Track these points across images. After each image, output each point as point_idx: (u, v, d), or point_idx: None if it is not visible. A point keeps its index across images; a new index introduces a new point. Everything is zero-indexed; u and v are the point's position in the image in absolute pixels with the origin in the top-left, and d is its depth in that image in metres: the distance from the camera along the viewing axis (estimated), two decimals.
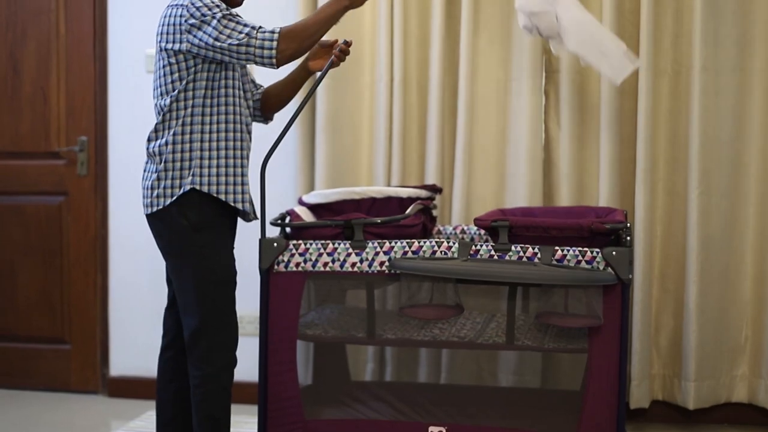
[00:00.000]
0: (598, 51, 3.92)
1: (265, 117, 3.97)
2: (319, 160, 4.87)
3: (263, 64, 3.52)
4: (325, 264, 3.80)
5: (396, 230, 3.86)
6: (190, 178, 3.52)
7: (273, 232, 4.12)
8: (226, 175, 3.58)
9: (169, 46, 3.51)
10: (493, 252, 3.70)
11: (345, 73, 4.70)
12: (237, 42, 3.46)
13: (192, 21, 3.45)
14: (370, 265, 3.77)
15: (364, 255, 3.78)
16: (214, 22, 3.45)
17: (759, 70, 4.61)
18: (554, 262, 3.66)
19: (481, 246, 3.72)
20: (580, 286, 3.62)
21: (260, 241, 3.84)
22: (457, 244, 3.73)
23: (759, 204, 4.65)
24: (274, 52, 3.48)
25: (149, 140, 3.62)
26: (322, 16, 3.60)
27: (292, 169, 5.00)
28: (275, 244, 3.82)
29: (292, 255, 3.81)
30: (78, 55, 5.33)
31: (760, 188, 4.64)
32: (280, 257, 3.82)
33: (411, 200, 4.28)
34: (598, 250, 3.66)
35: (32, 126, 5.39)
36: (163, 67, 3.55)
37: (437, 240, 3.75)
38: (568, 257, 3.67)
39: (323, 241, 3.81)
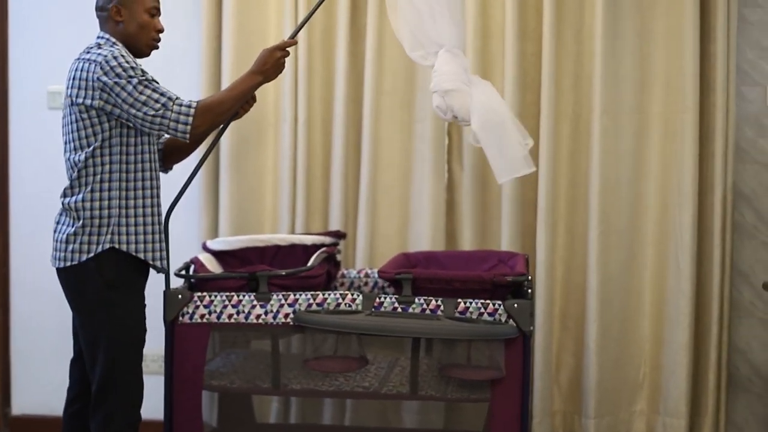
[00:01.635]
0: (496, 143, 3.93)
1: (165, 168, 3.97)
2: (223, 202, 4.86)
3: (175, 136, 3.53)
4: (230, 316, 3.80)
5: (300, 281, 3.89)
6: (109, 236, 3.51)
7: (178, 280, 4.11)
8: (145, 233, 3.59)
9: (80, 100, 3.48)
10: (396, 304, 3.74)
11: (249, 113, 4.68)
12: (153, 113, 3.45)
13: (105, 79, 3.43)
14: (274, 317, 3.79)
15: (268, 307, 3.79)
16: (130, 87, 3.44)
17: (657, 113, 4.71)
18: (457, 315, 3.71)
19: (385, 298, 3.75)
20: (482, 340, 3.67)
21: (165, 293, 3.84)
22: (361, 297, 3.76)
23: (657, 244, 4.75)
24: (188, 127, 3.49)
25: (65, 195, 3.58)
26: (237, 92, 3.66)
27: (195, 212, 4.94)
28: (180, 296, 3.82)
29: (197, 307, 3.82)
30: None
31: (657, 229, 4.74)
32: (185, 309, 3.82)
33: (316, 247, 4.30)
34: (500, 302, 3.72)
35: None
36: (76, 121, 3.52)
37: (341, 293, 3.78)
38: (470, 309, 3.72)
39: (228, 294, 3.81)
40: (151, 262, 3.61)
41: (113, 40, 3.62)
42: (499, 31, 4.77)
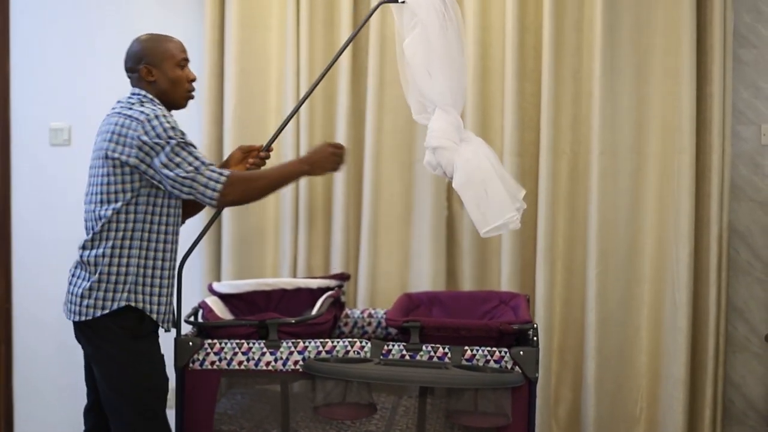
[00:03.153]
0: (475, 201, 3.92)
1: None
2: (225, 241, 4.93)
3: (203, 202, 3.57)
4: (240, 363, 3.84)
5: (309, 327, 3.93)
6: (126, 294, 3.54)
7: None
8: (160, 295, 3.62)
9: (116, 155, 3.49)
10: (404, 352, 3.79)
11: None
12: (184, 175, 3.48)
13: (145, 139, 3.45)
14: (284, 364, 3.83)
15: (278, 354, 3.83)
16: (167, 148, 3.46)
17: (654, 153, 4.79)
18: (464, 362, 3.76)
19: (393, 346, 3.80)
20: (490, 389, 3.73)
21: (175, 340, 3.87)
22: (369, 345, 3.81)
23: (654, 281, 4.83)
24: (216, 194, 3.54)
25: (83, 248, 3.58)
26: (277, 174, 3.74)
27: (197, 251, 4.92)
28: (190, 344, 3.86)
29: (207, 354, 3.85)
30: None
31: (654, 266, 4.83)
32: (195, 355, 3.86)
33: (321, 291, 4.35)
34: (506, 350, 3.77)
35: None
36: (107, 175, 3.52)
37: (350, 340, 3.82)
38: (477, 357, 3.77)
39: (238, 341, 3.85)
40: (161, 324, 3.66)
41: (150, 96, 3.65)
42: (499, 71, 4.85)
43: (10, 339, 5.32)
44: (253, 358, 3.84)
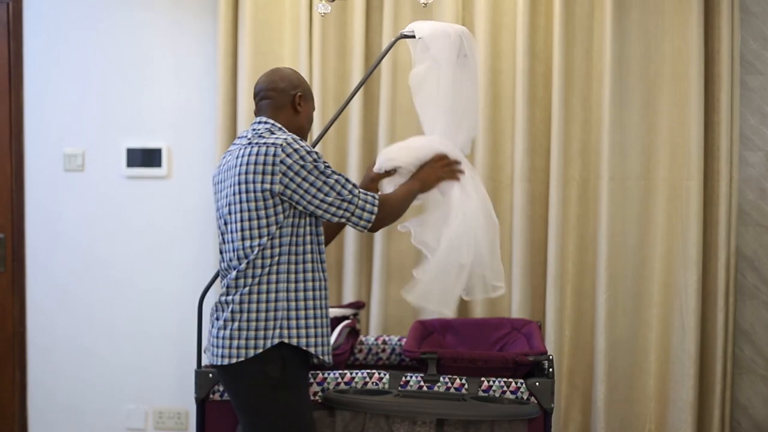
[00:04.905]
0: (437, 274, 3.95)
1: None
2: None
3: (355, 225, 3.51)
4: None
5: None
6: (278, 330, 3.44)
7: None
8: (315, 327, 3.51)
9: (259, 186, 3.38)
10: (422, 383, 3.85)
11: None
12: (341, 199, 3.44)
13: (289, 162, 3.36)
14: None
15: None
16: (316, 171, 3.40)
17: (662, 180, 4.86)
18: (481, 393, 3.82)
19: (411, 377, 3.85)
20: (506, 421, 3.78)
21: (196, 372, 3.91)
22: (387, 375, 3.86)
23: (662, 306, 4.90)
24: (373, 216, 3.52)
25: (229, 288, 3.48)
26: (404, 196, 3.73)
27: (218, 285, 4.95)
28: (210, 375, 3.89)
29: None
30: None
31: (663, 291, 4.89)
32: (216, 387, 3.90)
33: (338, 320, 4.40)
34: (522, 381, 3.83)
35: None
36: (250, 210, 3.41)
37: (368, 372, 3.87)
38: (494, 388, 3.83)
39: None
40: (319, 357, 3.54)
41: (278, 125, 3.56)
42: (510, 97, 4.92)
43: (24, 364, 5.37)
44: None
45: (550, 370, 3.90)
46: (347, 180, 3.48)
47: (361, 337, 4.62)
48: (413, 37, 4.01)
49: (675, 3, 4.79)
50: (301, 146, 3.40)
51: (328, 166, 3.45)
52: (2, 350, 5.36)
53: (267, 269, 3.43)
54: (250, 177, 3.39)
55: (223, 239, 3.56)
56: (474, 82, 4.10)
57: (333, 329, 4.27)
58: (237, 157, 3.46)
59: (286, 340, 3.45)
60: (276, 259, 3.43)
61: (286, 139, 3.40)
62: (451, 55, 3.95)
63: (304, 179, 3.38)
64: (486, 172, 4.86)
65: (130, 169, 5.19)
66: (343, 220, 3.49)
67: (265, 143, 3.40)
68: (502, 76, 4.92)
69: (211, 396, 3.91)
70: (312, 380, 3.86)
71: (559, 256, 4.83)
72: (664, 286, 4.88)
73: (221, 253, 3.59)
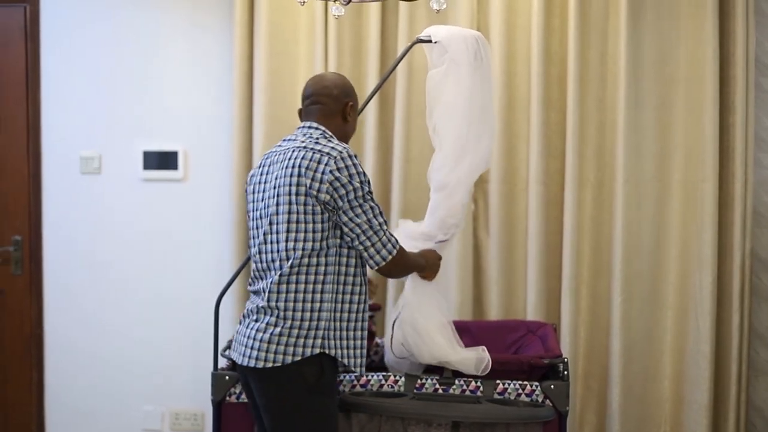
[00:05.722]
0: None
1: None
2: None
3: (370, 257, 3.49)
4: None
5: None
6: (320, 340, 3.42)
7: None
8: (355, 339, 3.54)
9: (310, 190, 3.39)
10: (437, 386, 3.86)
11: None
12: (368, 226, 3.44)
13: (337, 175, 3.37)
14: None
15: None
16: (360, 192, 3.41)
17: (677, 182, 4.86)
18: (496, 396, 3.83)
19: (426, 380, 3.87)
20: (522, 424, 3.80)
21: (212, 374, 3.93)
22: (403, 378, 3.88)
23: (677, 308, 4.91)
24: (390, 257, 3.51)
25: (271, 292, 3.45)
26: (414, 263, 3.79)
27: (236, 286, 4.89)
28: (227, 378, 3.92)
29: None
30: (11, 154, 5.34)
31: (678, 293, 4.90)
32: (232, 389, 3.92)
33: None
34: (537, 383, 3.84)
35: None
36: (298, 212, 3.41)
37: (384, 374, 3.89)
38: (509, 390, 3.84)
39: None
40: (353, 368, 3.55)
41: (329, 133, 3.56)
42: (525, 100, 4.92)
43: (41, 366, 5.39)
44: None
45: (565, 372, 3.91)
46: (381, 213, 3.50)
47: (377, 340, 4.63)
48: (430, 41, 4.03)
49: (690, 6, 4.79)
50: (355, 163, 3.41)
51: (371, 192, 3.46)
52: (20, 351, 5.39)
53: (313, 278, 3.42)
54: (303, 180, 3.39)
55: (265, 239, 3.53)
56: (489, 89, 4.12)
57: None
58: (289, 158, 3.46)
59: (327, 351, 3.44)
60: (323, 269, 3.43)
61: (341, 152, 3.41)
62: (469, 57, 3.98)
63: (347, 193, 3.39)
64: (501, 175, 4.88)
65: (147, 172, 5.22)
66: (361, 247, 3.48)
67: (320, 150, 3.42)
68: (517, 79, 4.93)
69: (227, 398, 3.93)
70: None
71: (574, 258, 4.84)
72: (679, 289, 4.89)
73: (259, 253, 3.56)
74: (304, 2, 3.81)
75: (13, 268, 5.35)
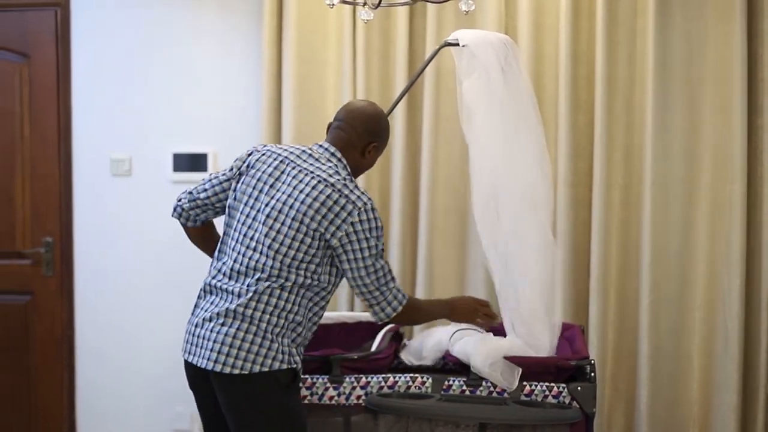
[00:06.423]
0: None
1: None
2: None
3: (374, 314, 3.59)
4: (304, 397, 3.91)
5: (371, 362, 4.01)
6: (288, 356, 3.50)
7: None
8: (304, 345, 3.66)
9: (320, 230, 3.42)
10: (465, 387, 3.88)
11: None
12: (377, 285, 3.51)
13: (358, 228, 3.42)
14: (347, 399, 3.90)
15: (341, 389, 3.90)
16: (374, 250, 3.46)
17: (705, 184, 4.85)
18: (523, 398, 3.84)
19: (453, 381, 3.88)
20: (548, 425, 3.81)
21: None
22: (430, 379, 3.89)
23: (705, 310, 4.88)
24: (394, 314, 3.58)
25: (247, 298, 3.45)
26: (428, 312, 3.86)
27: None
28: None
29: None
30: (42, 157, 5.39)
31: (706, 295, 4.88)
32: None
33: (381, 324, 4.42)
34: (564, 385, 3.85)
35: None
36: (297, 240, 3.43)
37: (411, 375, 3.91)
38: (536, 392, 3.85)
39: (302, 376, 3.93)
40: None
41: (348, 168, 3.59)
42: (553, 101, 4.93)
43: (72, 366, 5.44)
44: (317, 393, 3.92)
45: (592, 374, 3.91)
46: (391, 272, 3.54)
47: (405, 341, 4.64)
48: (457, 44, 4.05)
49: (718, 7, 4.77)
50: (376, 217, 3.45)
51: (383, 249, 3.52)
52: (51, 352, 5.44)
53: (293, 297, 3.48)
54: (317, 217, 3.42)
55: (251, 244, 3.52)
56: (520, 91, 4.13)
57: (376, 333, 4.31)
58: (313, 188, 3.44)
59: (293, 366, 3.53)
60: (304, 291, 3.50)
61: (366, 203, 3.44)
62: (499, 61, 4.00)
63: (360, 249, 3.43)
64: None
65: (177, 174, 5.25)
66: (366, 303, 3.57)
67: (347, 196, 3.43)
68: (545, 80, 4.93)
69: None
70: (356, 384, 3.90)
71: (603, 260, 4.84)
72: (707, 291, 4.88)
73: (240, 254, 3.54)
74: (333, 5, 3.82)
75: (44, 269, 5.40)
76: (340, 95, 5.05)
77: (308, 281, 3.48)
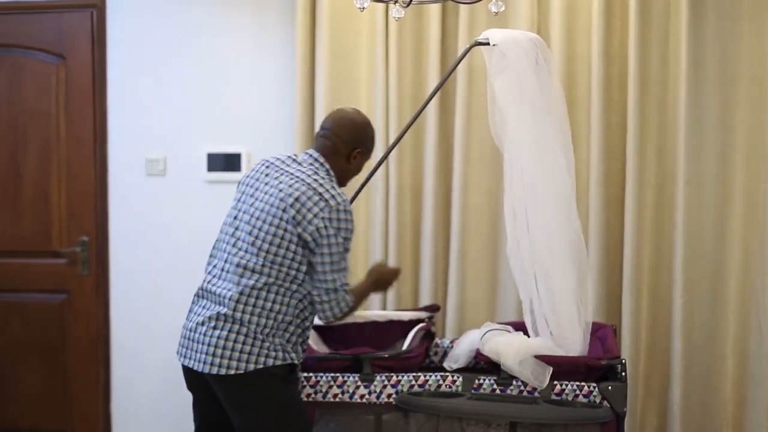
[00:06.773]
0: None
1: None
2: None
3: (320, 313, 3.66)
4: (335, 395, 3.95)
5: (402, 360, 4.03)
6: (282, 353, 3.61)
7: None
8: (303, 343, 3.75)
9: (297, 228, 3.55)
10: (495, 386, 3.89)
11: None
12: (331, 282, 3.60)
13: (327, 224, 3.54)
14: (378, 397, 3.94)
15: (372, 387, 3.94)
16: (340, 249, 3.58)
17: (739, 183, 4.83)
18: (554, 397, 3.85)
19: (484, 380, 3.90)
20: (579, 425, 3.81)
21: None
22: (461, 378, 3.91)
23: (739, 310, 4.87)
24: (340, 314, 3.66)
25: (236, 302, 3.58)
26: (362, 297, 3.87)
27: None
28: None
29: (303, 387, 3.96)
30: (78, 157, 5.43)
31: (739, 295, 4.86)
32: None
33: (412, 323, 4.45)
34: (594, 384, 3.85)
35: (34, 227, 5.48)
36: (277, 236, 3.57)
37: (442, 374, 3.93)
38: (566, 391, 3.86)
39: (333, 374, 3.96)
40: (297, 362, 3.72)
41: (332, 171, 3.72)
42: (585, 101, 4.92)
43: (108, 364, 5.48)
44: (348, 391, 3.96)
45: (623, 374, 3.91)
46: (347, 275, 3.65)
47: (437, 340, 4.66)
48: (488, 44, 4.06)
49: (752, 6, 4.75)
50: (347, 219, 3.58)
51: (348, 250, 3.64)
52: (87, 351, 5.48)
53: (281, 298, 3.60)
54: (290, 210, 3.56)
55: (236, 244, 3.68)
56: (550, 86, 4.14)
57: (407, 332, 4.33)
58: (290, 186, 3.61)
59: (288, 362, 3.63)
60: (291, 289, 3.62)
61: (339, 204, 3.57)
62: (529, 60, 4.02)
63: (328, 245, 3.55)
64: None
65: (211, 174, 5.28)
66: (316, 298, 3.64)
67: (321, 194, 3.58)
68: (578, 80, 4.92)
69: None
70: (386, 383, 3.92)
71: (635, 260, 4.83)
72: (741, 291, 4.85)
73: (228, 254, 3.70)
74: (363, 8, 3.85)
75: (80, 268, 5.44)
76: (372, 94, 5.08)
77: (290, 278, 3.58)
